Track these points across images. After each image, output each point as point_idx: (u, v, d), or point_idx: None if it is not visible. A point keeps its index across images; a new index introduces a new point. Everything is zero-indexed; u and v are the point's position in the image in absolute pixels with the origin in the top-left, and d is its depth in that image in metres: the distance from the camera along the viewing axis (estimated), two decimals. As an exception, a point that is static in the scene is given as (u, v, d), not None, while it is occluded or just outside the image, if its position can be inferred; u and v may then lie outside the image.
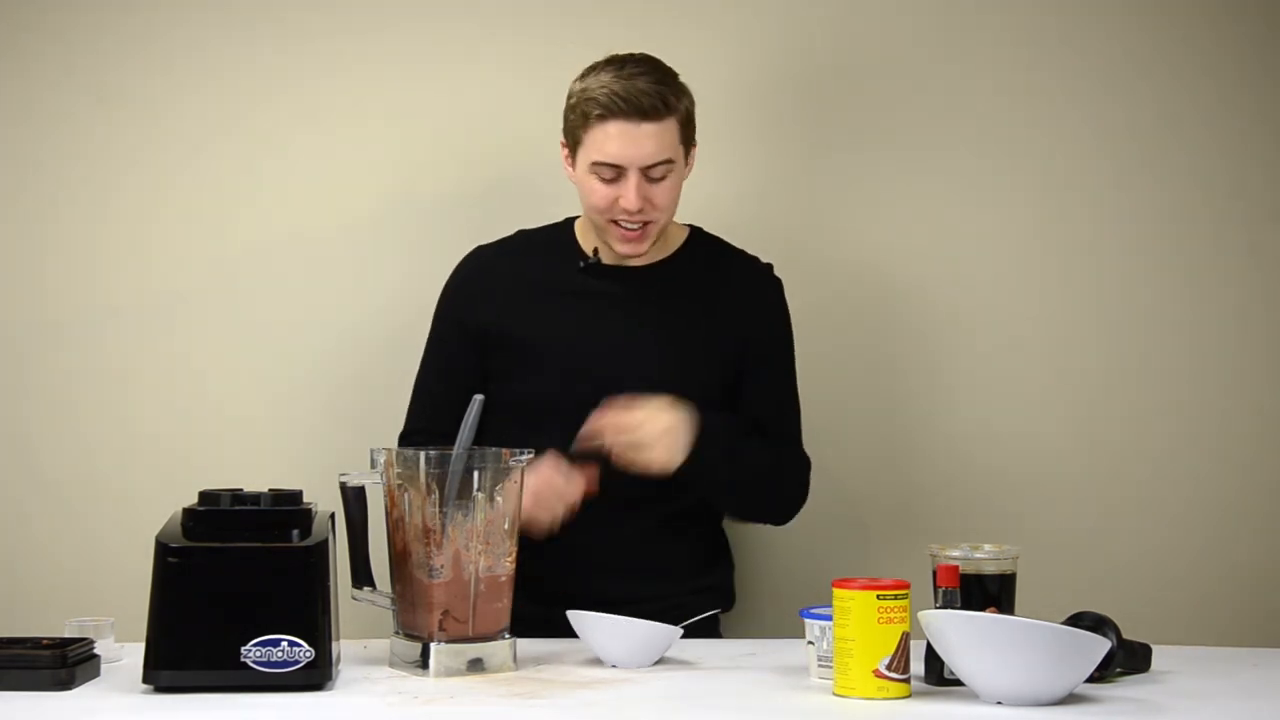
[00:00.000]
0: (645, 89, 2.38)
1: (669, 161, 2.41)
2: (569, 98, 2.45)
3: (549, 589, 2.36)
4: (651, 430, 2.34)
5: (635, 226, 2.43)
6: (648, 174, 2.41)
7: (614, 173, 2.41)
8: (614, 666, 2.12)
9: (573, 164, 2.47)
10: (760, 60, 2.89)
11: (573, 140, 2.45)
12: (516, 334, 2.51)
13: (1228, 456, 2.86)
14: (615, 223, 2.44)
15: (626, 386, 2.44)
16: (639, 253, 2.48)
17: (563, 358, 2.49)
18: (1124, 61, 2.88)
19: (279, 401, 2.87)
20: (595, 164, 2.41)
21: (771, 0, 2.89)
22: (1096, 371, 2.88)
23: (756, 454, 2.46)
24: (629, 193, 2.40)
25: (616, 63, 2.42)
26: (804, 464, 2.56)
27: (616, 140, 2.39)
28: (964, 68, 2.89)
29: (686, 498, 2.47)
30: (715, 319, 2.52)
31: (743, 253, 2.60)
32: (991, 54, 2.88)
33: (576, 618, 2.15)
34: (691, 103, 2.46)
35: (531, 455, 2.11)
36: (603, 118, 2.39)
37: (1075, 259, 2.88)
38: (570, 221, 2.59)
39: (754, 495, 2.51)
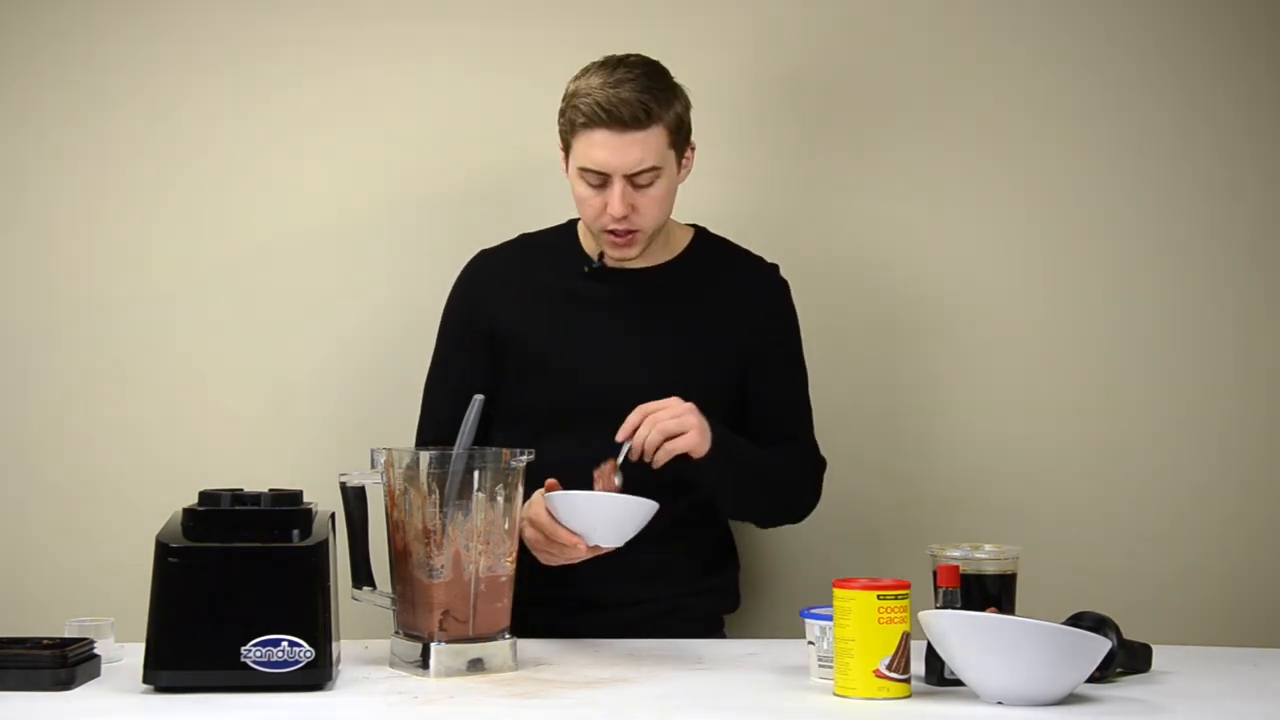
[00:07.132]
0: (628, 98, 2.35)
1: (654, 169, 2.39)
2: (564, 98, 2.44)
3: (552, 592, 2.36)
4: (688, 417, 2.30)
5: (622, 232, 2.43)
6: (633, 181, 2.39)
7: (599, 179, 2.40)
8: (596, 546, 2.15)
9: (566, 166, 2.47)
10: (764, 60, 2.89)
11: (565, 143, 2.45)
12: (523, 338, 2.50)
13: (1228, 457, 2.86)
14: (605, 229, 2.44)
15: (632, 389, 2.43)
16: (628, 257, 2.46)
17: (568, 362, 2.48)
18: (1125, 62, 2.88)
19: (279, 401, 2.87)
20: (581, 170, 2.41)
21: (774, 1, 2.90)
22: (1097, 372, 2.88)
23: (768, 456, 2.44)
24: (613, 200, 2.39)
25: (608, 66, 2.40)
26: (816, 464, 2.55)
27: (600, 148, 2.38)
28: (967, 69, 2.88)
29: (697, 495, 2.44)
30: (721, 321, 2.51)
31: (748, 253, 2.59)
32: (994, 55, 2.88)
33: (556, 499, 2.17)
34: (685, 106, 2.43)
35: (532, 455, 2.11)
36: (587, 125, 2.38)
37: (1076, 260, 2.88)
38: (572, 224, 2.58)
39: (764, 495, 2.48)
